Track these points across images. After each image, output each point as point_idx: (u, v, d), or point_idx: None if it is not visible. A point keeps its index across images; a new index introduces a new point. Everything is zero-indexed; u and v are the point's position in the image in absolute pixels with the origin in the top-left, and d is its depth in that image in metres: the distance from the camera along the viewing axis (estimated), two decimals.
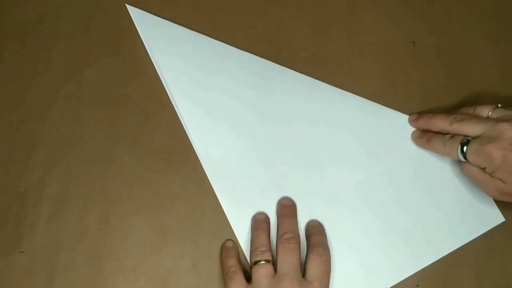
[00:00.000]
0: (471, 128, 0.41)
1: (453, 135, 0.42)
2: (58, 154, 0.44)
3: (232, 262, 0.40)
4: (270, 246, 0.41)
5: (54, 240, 0.41)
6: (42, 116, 0.45)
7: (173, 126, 0.45)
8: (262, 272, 0.39)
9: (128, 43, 0.48)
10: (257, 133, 0.45)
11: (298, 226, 0.42)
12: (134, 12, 0.48)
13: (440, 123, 0.43)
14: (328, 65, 0.48)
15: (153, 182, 0.44)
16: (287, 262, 0.39)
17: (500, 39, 0.51)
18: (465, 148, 0.40)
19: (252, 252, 0.40)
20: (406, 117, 0.46)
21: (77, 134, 0.45)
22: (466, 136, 0.41)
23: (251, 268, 0.40)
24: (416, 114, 0.46)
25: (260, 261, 0.39)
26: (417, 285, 0.42)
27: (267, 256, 0.39)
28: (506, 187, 0.38)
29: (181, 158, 0.45)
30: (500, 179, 0.39)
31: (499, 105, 0.43)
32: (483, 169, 0.39)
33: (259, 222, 0.42)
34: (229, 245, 0.42)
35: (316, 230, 0.42)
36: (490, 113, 0.42)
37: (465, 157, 0.40)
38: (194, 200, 0.43)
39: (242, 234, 0.42)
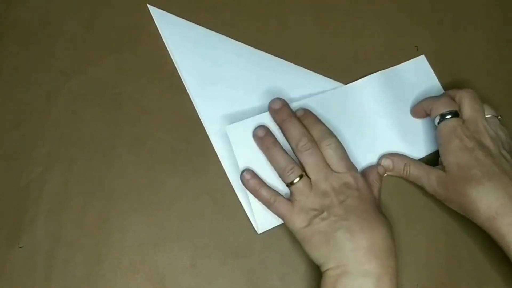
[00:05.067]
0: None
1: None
2: (59, 150, 0.44)
3: (265, 191, 0.41)
4: (291, 158, 0.41)
5: (53, 236, 0.42)
6: (44, 113, 0.45)
7: (174, 125, 0.46)
8: (301, 187, 0.40)
9: (131, 42, 0.48)
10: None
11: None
12: (155, 12, 0.49)
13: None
14: (331, 68, 0.49)
15: (153, 180, 0.44)
16: (314, 168, 0.40)
17: (504, 45, 0.51)
18: (447, 116, 0.42)
19: (280, 174, 0.41)
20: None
21: (79, 131, 0.45)
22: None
23: (288, 187, 0.40)
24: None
25: (293, 180, 0.40)
26: (417, 284, 0.42)
27: (297, 171, 0.40)
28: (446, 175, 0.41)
29: (182, 157, 0.45)
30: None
31: (499, 117, 0.44)
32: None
33: (264, 139, 0.42)
34: (248, 177, 0.41)
35: (308, 122, 0.42)
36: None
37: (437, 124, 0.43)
38: (193, 200, 0.43)
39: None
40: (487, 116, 0.43)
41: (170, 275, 0.41)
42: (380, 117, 0.47)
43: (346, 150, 0.42)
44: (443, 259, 0.43)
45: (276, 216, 0.42)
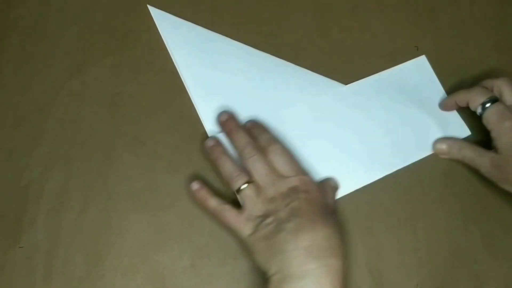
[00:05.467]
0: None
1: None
2: (59, 150, 0.44)
3: (213, 201, 0.41)
4: (237, 165, 0.41)
5: (53, 236, 0.41)
6: (44, 113, 0.45)
7: (175, 125, 0.46)
8: (249, 194, 0.40)
9: (131, 42, 0.48)
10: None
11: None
12: (155, 13, 0.49)
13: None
14: (331, 68, 0.49)
15: (153, 180, 0.44)
16: (261, 173, 0.40)
17: (503, 45, 0.51)
18: (488, 104, 0.42)
19: (228, 182, 0.41)
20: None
21: (79, 131, 0.45)
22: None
23: (236, 194, 0.40)
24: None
25: (240, 186, 0.40)
26: (417, 284, 0.42)
27: (244, 177, 0.40)
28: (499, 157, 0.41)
29: (182, 157, 0.45)
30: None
31: None
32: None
33: (213, 149, 0.43)
34: (196, 187, 0.42)
35: (256, 132, 0.43)
36: None
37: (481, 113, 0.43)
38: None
39: None
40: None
41: (170, 275, 0.41)
42: (381, 117, 0.47)
43: (347, 150, 0.42)
44: (443, 259, 0.43)
45: None
